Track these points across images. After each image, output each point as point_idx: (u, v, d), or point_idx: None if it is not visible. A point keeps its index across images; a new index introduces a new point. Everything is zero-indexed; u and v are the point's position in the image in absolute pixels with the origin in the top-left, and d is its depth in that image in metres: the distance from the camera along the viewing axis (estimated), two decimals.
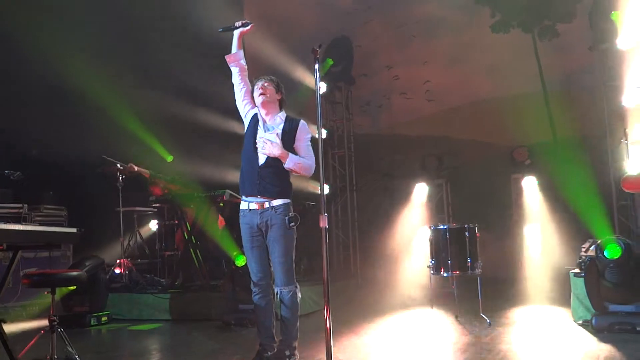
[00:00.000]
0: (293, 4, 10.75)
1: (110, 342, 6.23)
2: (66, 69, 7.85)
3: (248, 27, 4.64)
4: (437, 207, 9.58)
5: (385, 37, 10.21)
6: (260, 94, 4.57)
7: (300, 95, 10.28)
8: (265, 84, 4.58)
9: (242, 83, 4.70)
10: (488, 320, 6.21)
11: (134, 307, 7.38)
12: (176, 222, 8.37)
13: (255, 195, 4.51)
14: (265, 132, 4.57)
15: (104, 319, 7.07)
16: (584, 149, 8.12)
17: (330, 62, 9.87)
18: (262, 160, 4.50)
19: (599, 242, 5.82)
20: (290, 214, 4.47)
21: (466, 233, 6.41)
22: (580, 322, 5.98)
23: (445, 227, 6.62)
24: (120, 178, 7.84)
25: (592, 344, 5.20)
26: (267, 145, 4.44)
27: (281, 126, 4.58)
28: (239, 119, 4.84)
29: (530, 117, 8.38)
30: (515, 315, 6.77)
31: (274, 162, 4.47)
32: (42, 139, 8.68)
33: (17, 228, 3.95)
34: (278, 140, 4.48)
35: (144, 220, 9.04)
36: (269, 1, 10.95)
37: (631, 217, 8.25)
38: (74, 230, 4.66)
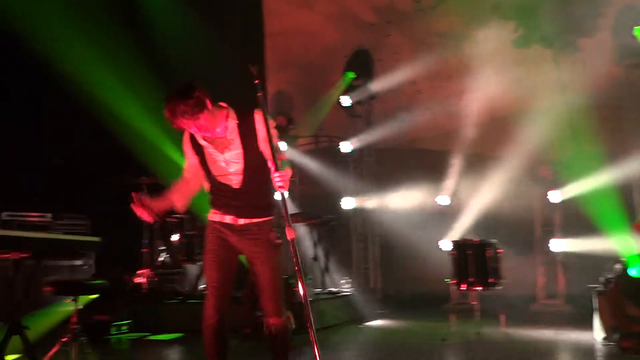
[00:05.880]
0: (314, 17, 10.81)
1: (130, 351, 6.25)
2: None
3: None
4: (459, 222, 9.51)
5: (406, 51, 10.20)
6: (196, 132, 3.60)
7: (321, 107, 10.33)
8: (191, 121, 3.48)
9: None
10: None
11: (155, 317, 7.41)
12: (195, 233, 8.35)
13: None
14: (223, 154, 3.62)
15: (124, 328, 7.10)
16: (609, 166, 8.00)
17: (351, 75, 9.90)
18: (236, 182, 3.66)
19: (624, 259, 5.73)
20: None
21: (488, 248, 6.35)
22: (605, 341, 5.88)
23: (467, 241, 6.58)
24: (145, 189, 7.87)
25: None
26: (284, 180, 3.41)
27: (235, 133, 3.60)
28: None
29: (554, 132, 8.30)
30: (537, 333, 6.68)
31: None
32: (66, 150, 8.81)
33: (43, 236, 4.00)
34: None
35: (166, 230, 9.05)
36: (289, 14, 11.03)
37: None
38: (97, 239, 4.71)
